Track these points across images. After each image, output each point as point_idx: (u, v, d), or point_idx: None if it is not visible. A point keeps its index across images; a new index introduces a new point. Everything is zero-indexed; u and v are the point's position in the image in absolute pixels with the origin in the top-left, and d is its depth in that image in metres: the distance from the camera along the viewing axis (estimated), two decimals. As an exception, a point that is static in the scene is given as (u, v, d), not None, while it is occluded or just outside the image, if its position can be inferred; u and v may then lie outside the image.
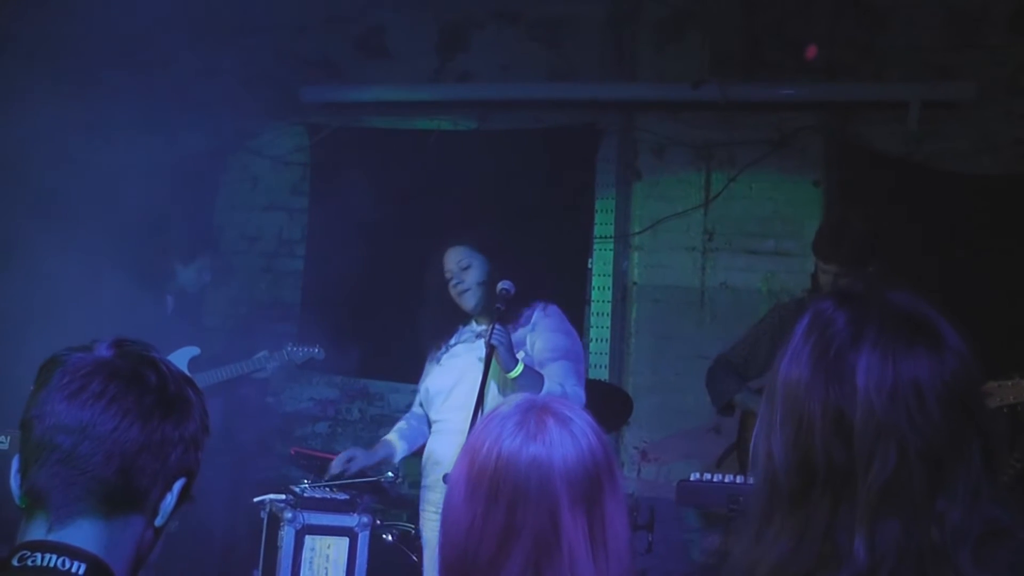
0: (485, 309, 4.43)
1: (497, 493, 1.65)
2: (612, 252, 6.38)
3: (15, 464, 1.65)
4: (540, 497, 1.63)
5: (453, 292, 4.47)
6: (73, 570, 1.55)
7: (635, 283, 6.43)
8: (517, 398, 1.77)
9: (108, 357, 1.66)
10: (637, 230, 6.43)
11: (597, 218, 6.42)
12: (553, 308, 4.46)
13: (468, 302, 4.44)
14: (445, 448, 4.33)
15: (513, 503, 1.64)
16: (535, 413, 1.71)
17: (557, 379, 4.21)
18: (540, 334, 4.35)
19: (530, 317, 4.40)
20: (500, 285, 4.27)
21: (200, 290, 5.89)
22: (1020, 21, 5.83)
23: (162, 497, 1.67)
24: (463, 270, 4.45)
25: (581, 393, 4.27)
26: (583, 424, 1.71)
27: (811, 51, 6.03)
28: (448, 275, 4.49)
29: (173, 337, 5.63)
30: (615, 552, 1.65)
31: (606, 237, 6.41)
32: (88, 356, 1.66)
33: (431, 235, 6.32)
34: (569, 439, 1.68)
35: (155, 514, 1.67)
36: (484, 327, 4.40)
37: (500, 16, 6.72)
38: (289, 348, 5.83)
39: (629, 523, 1.73)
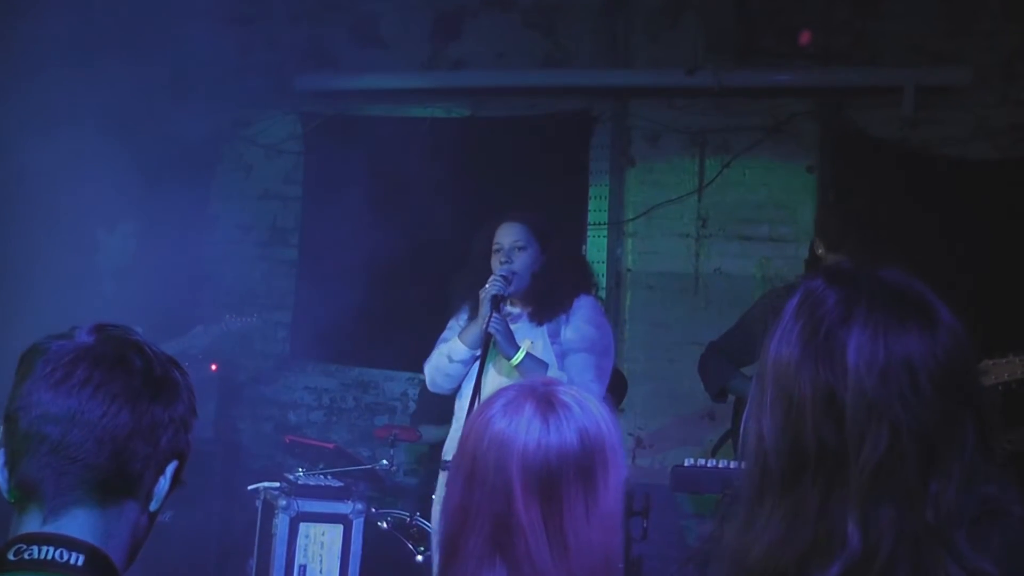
0: (524, 295, 4.38)
1: (461, 465, 1.63)
2: (606, 239, 6.37)
3: (0, 458, 1.62)
4: (496, 477, 1.58)
5: (497, 267, 4.31)
6: (72, 561, 1.53)
7: (629, 270, 6.42)
8: (540, 378, 1.73)
9: (90, 343, 1.64)
10: (631, 217, 6.42)
11: (591, 205, 6.41)
12: (588, 299, 4.41)
13: (511, 284, 4.30)
14: (455, 436, 4.31)
15: (471, 478, 1.61)
16: (525, 394, 1.66)
17: (573, 371, 4.18)
18: (571, 325, 4.32)
19: (570, 309, 4.36)
20: (499, 273, 4.25)
21: (130, 260, 5.66)
22: (1015, 5, 5.81)
23: (155, 481, 1.65)
24: (517, 249, 4.34)
25: (595, 388, 4.19)
26: (568, 418, 1.63)
27: (805, 37, 6.02)
28: (496, 248, 4.36)
29: (114, 320, 5.52)
30: (577, 553, 1.57)
31: (600, 224, 6.40)
32: (70, 343, 1.63)
33: (424, 223, 6.38)
34: (538, 426, 1.61)
35: (149, 499, 1.65)
36: (519, 310, 4.38)
37: (493, 3, 6.70)
38: (227, 318, 5.77)
39: (615, 531, 1.64)
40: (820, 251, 4.66)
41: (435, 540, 4.33)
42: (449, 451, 4.27)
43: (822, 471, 1.35)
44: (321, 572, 4.73)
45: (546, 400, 1.65)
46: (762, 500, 1.40)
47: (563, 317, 4.33)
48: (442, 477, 4.35)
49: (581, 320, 4.33)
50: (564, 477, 1.59)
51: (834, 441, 1.34)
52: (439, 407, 5.07)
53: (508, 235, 4.36)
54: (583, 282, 4.48)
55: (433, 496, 4.43)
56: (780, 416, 1.39)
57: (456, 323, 4.49)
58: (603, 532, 1.61)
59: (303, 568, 4.72)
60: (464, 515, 1.60)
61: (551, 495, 1.58)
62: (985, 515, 1.33)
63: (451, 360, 4.34)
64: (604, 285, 6.24)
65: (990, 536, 1.32)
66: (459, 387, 4.43)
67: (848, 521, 1.32)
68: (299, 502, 4.75)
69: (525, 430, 1.61)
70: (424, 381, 5.36)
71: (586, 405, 1.68)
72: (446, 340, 4.44)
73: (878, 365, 1.34)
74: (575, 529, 1.58)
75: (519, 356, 4.15)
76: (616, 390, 5.51)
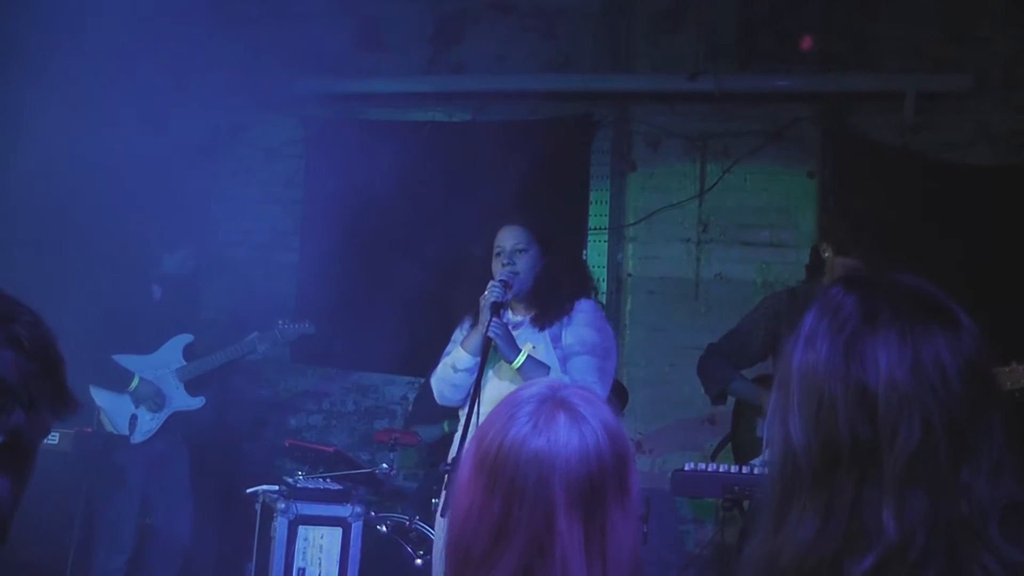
0: (525, 298, 4.36)
1: (495, 484, 1.57)
2: (607, 243, 6.37)
3: None
4: (537, 497, 1.54)
5: (499, 271, 4.28)
6: None
7: (630, 274, 6.42)
8: (543, 382, 1.69)
9: None
10: (632, 221, 6.42)
11: (592, 209, 6.41)
12: (588, 303, 4.38)
13: (512, 288, 4.26)
14: (455, 439, 4.28)
15: (509, 499, 1.55)
16: (549, 405, 1.61)
17: (575, 374, 4.15)
18: (572, 328, 4.30)
19: (570, 313, 4.35)
20: (499, 277, 4.23)
21: (186, 277, 5.78)
22: (1015, 11, 5.82)
23: None
24: (519, 252, 4.31)
25: (598, 391, 4.13)
26: (597, 424, 1.59)
27: (806, 42, 6.03)
28: (497, 252, 4.33)
29: (164, 325, 5.60)
30: (615, 565, 1.55)
31: (601, 228, 6.40)
32: None
33: (425, 227, 6.38)
34: (576, 439, 1.57)
35: None
36: (520, 317, 4.37)
37: (494, 7, 6.70)
38: (280, 325, 5.77)
39: (637, 533, 1.62)
40: (827, 255, 4.60)
41: (438, 544, 4.32)
42: (450, 455, 4.25)
43: (856, 465, 1.36)
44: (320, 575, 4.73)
45: (569, 407, 1.61)
46: (791, 502, 1.40)
47: (564, 320, 4.31)
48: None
49: (582, 324, 4.31)
50: (607, 485, 1.57)
51: (867, 435, 1.36)
52: (434, 410, 5.06)
53: (509, 238, 4.34)
54: (583, 285, 4.47)
55: (434, 500, 4.40)
56: (810, 415, 1.40)
57: (460, 333, 4.47)
58: (633, 532, 1.60)
59: (302, 571, 4.71)
60: (499, 534, 1.56)
61: (594, 508, 1.55)
62: (1012, 509, 1.35)
63: (456, 370, 4.32)
64: (605, 290, 6.24)
65: (1020, 530, 1.34)
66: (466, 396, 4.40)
67: (883, 511, 1.33)
68: (298, 505, 4.74)
69: (565, 445, 1.57)
70: (421, 385, 5.37)
71: (595, 400, 1.66)
72: (449, 353, 4.43)
73: (908, 361, 1.36)
74: (615, 540, 1.56)
75: (520, 359, 4.13)
76: (617, 400, 5.52)
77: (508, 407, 1.64)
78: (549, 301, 4.33)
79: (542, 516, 1.53)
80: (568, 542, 1.52)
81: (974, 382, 1.38)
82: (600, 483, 1.56)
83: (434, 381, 4.44)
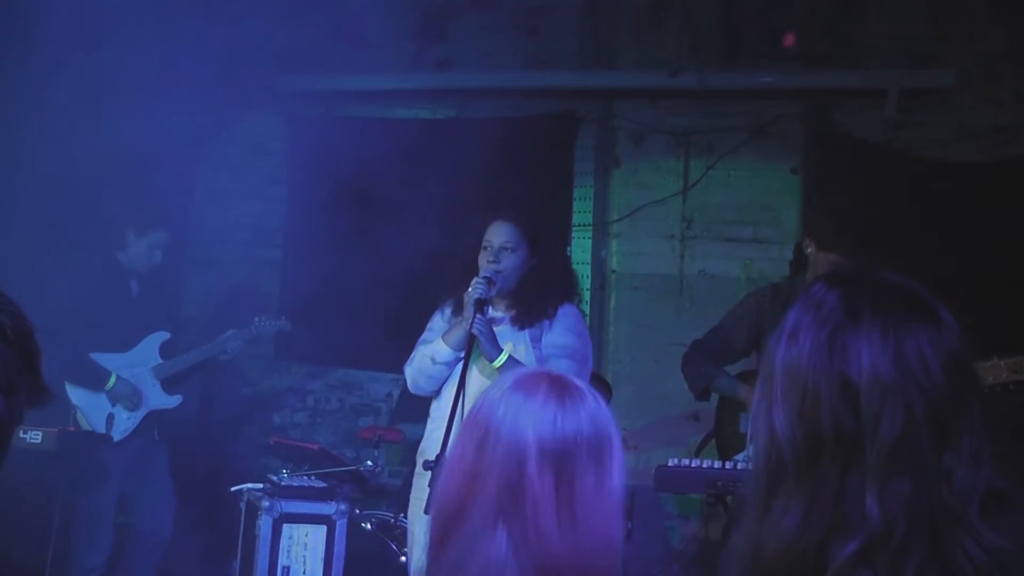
0: (507, 296, 4.34)
1: (472, 432, 1.64)
2: (590, 240, 6.38)
3: None
4: (510, 441, 1.60)
5: (484, 266, 4.24)
6: None
7: (614, 271, 6.43)
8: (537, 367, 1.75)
9: None
10: (616, 218, 6.43)
11: (575, 206, 6.42)
12: (571, 308, 4.37)
13: (496, 285, 4.23)
14: (433, 436, 4.27)
15: (483, 441, 1.61)
16: (538, 376, 1.68)
17: None
18: (554, 331, 4.29)
19: (554, 316, 4.34)
20: (483, 274, 4.22)
21: (150, 270, 5.56)
22: (998, 9, 5.85)
23: None
24: (507, 250, 4.26)
25: None
26: (581, 401, 1.66)
27: (789, 39, 6.05)
28: (485, 245, 4.29)
29: (140, 321, 5.54)
30: (585, 526, 1.59)
31: (585, 225, 6.40)
32: None
33: (409, 224, 6.37)
34: (554, 404, 1.63)
35: None
36: (500, 314, 4.36)
37: (478, 4, 6.70)
38: (257, 322, 5.71)
39: (619, 515, 1.66)
40: (810, 250, 4.61)
41: (411, 537, 4.33)
42: (427, 451, 4.24)
43: (839, 455, 1.39)
44: (304, 573, 4.72)
45: (560, 383, 1.67)
46: (776, 493, 1.43)
47: (546, 323, 4.31)
48: (418, 477, 4.32)
49: (564, 328, 4.31)
50: (578, 454, 1.62)
51: (851, 425, 1.38)
52: (420, 407, 5.05)
53: (498, 234, 4.31)
54: (569, 291, 4.46)
55: (411, 495, 4.39)
56: (794, 408, 1.43)
57: (440, 317, 4.46)
58: (610, 511, 1.64)
59: (286, 569, 4.71)
60: (471, 481, 1.60)
61: (563, 467, 1.60)
62: (991, 498, 1.38)
63: (434, 362, 4.31)
64: (589, 286, 6.26)
65: (1000, 518, 1.37)
66: (439, 389, 4.40)
67: (867, 498, 1.36)
68: (282, 503, 4.73)
69: (541, 406, 1.63)
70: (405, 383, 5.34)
71: (595, 394, 1.71)
72: (426, 341, 4.41)
73: (890, 354, 1.39)
74: (584, 502, 1.60)
75: (502, 358, 4.13)
76: (600, 396, 5.51)
77: (502, 378, 1.72)
78: (532, 304, 4.31)
79: (514, 460, 1.59)
80: (539, 488, 1.57)
81: (955, 374, 1.40)
82: (573, 449, 1.62)
83: (409, 370, 4.41)
